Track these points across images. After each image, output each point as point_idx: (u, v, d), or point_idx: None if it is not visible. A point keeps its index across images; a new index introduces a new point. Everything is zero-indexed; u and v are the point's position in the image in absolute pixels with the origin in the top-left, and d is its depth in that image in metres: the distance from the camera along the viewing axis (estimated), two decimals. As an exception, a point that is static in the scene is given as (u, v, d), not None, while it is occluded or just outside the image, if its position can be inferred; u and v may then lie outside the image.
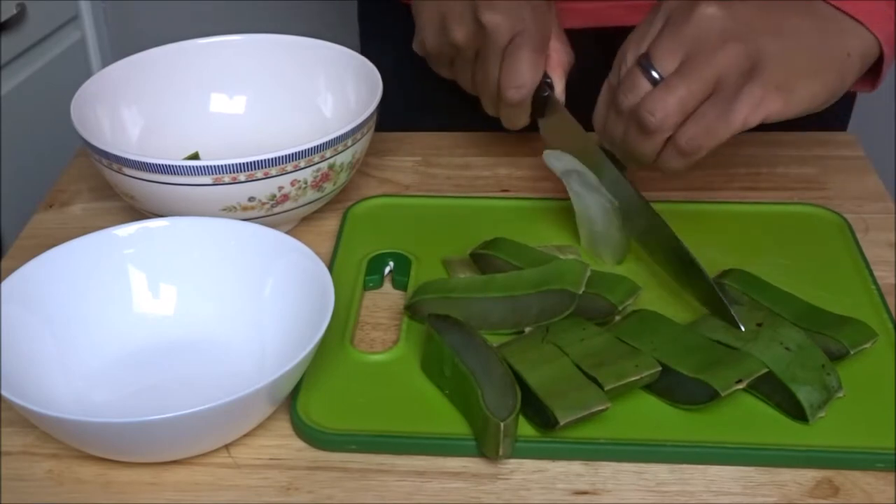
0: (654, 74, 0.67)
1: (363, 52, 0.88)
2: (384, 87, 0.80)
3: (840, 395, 0.63)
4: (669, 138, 0.68)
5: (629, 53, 0.69)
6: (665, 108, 0.66)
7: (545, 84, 0.78)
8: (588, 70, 0.93)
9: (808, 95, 0.67)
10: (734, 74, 0.65)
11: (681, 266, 0.71)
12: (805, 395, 0.61)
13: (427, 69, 0.84)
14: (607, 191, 0.73)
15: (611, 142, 0.72)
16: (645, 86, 0.67)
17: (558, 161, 0.75)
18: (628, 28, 0.89)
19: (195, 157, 0.85)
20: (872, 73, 0.73)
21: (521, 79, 0.75)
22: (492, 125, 0.92)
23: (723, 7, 0.66)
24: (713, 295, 0.67)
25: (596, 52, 0.93)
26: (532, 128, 0.81)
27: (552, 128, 0.80)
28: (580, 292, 0.66)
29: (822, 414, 0.62)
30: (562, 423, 0.60)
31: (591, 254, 0.76)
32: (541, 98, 0.78)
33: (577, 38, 0.91)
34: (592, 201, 0.74)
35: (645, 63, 0.67)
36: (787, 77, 0.66)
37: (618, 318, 0.69)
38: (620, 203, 0.73)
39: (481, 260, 0.74)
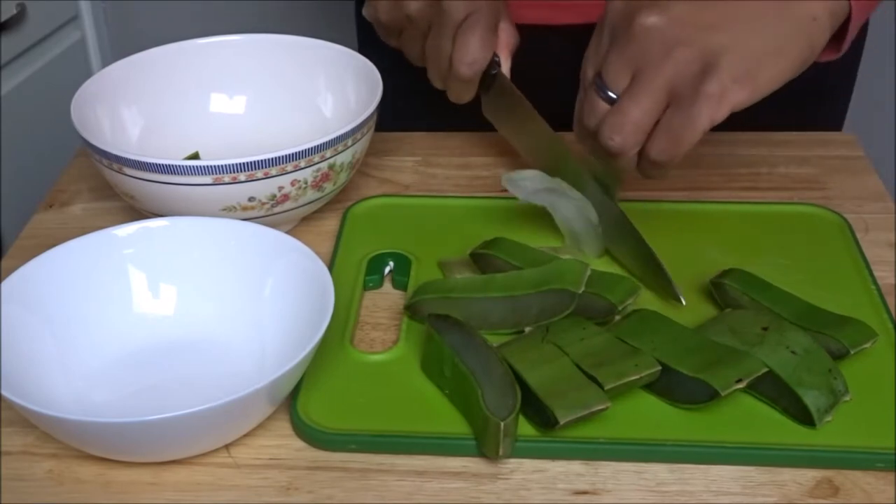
0: (610, 94, 0.66)
1: (361, 52, 0.88)
2: (383, 87, 0.80)
3: (847, 398, 0.63)
4: (641, 151, 0.67)
5: (588, 71, 0.69)
6: (623, 131, 0.65)
7: (493, 62, 0.80)
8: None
9: (775, 74, 0.65)
10: (688, 79, 0.64)
11: (647, 267, 0.72)
12: (812, 399, 0.61)
13: (425, 69, 0.84)
14: (570, 185, 0.75)
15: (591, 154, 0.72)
16: (602, 107, 0.67)
17: (516, 188, 0.76)
18: None
19: (195, 157, 0.85)
20: (836, 37, 0.69)
21: (473, 56, 0.77)
22: (492, 125, 0.93)
23: (661, 14, 0.64)
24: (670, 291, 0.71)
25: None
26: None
27: (496, 105, 0.82)
28: (580, 292, 0.66)
29: (829, 418, 0.62)
30: (562, 422, 0.60)
31: (574, 251, 0.76)
32: (489, 75, 0.81)
33: (578, 35, 0.91)
34: (562, 205, 0.75)
35: (599, 83, 0.67)
36: (745, 65, 0.64)
37: (618, 317, 0.69)
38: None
39: (481, 260, 0.74)
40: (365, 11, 0.84)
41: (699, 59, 0.63)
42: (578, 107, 0.70)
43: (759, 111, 0.68)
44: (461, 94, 0.81)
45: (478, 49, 0.77)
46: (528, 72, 0.90)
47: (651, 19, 0.63)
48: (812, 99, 0.91)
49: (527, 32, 0.91)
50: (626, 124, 0.65)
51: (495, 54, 0.80)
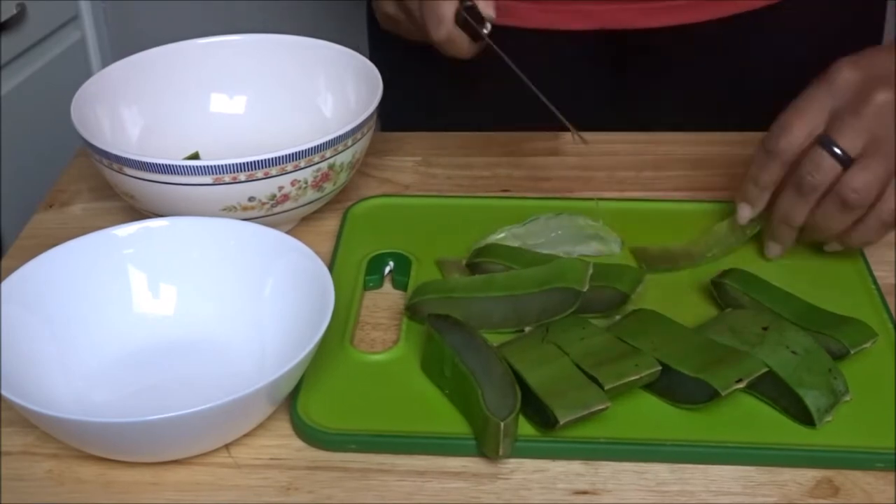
0: (843, 153, 0.68)
1: (371, 54, 0.87)
2: (391, 88, 0.80)
3: (847, 398, 0.63)
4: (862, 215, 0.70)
5: (796, 130, 0.70)
6: (867, 186, 0.68)
7: (479, 17, 0.78)
8: (598, 71, 0.94)
9: None
10: None
11: None
12: (812, 399, 0.61)
13: (435, 69, 0.84)
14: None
15: (784, 219, 0.73)
16: (831, 164, 0.69)
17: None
18: (639, 31, 0.89)
19: (195, 157, 0.85)
20: None
21: (439, 14, 0.77)
22: (492, 125, 0.93)
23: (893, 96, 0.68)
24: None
25: (602, 55, 0.93)
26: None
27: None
28: (584, 289, 0.66)
29: (829, 418, 0.62)
30: (562, 422, 0.60)
31: None
32: (476, 32, 0.79)
33: (588, 40, 0.91)
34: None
35: (827, 142, 0.69)
36: None
37: (618, 317, 0.69)
38: None
39: (478, 269, 0.74)
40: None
41: None
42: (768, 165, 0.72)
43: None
44: (455, 51, 0.80)
45: (442, 6, 0.76)
46: (536, 76, 0.90)
47: (886, 96, 0.68)
48: None
49: (536, 37, 0.91)
50: (871, 180, 0.68)
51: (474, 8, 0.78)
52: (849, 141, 0.68)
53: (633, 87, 0.95)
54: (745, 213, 0.74)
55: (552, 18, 0.92)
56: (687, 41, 0.84)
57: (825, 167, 0.69)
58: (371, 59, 0.86)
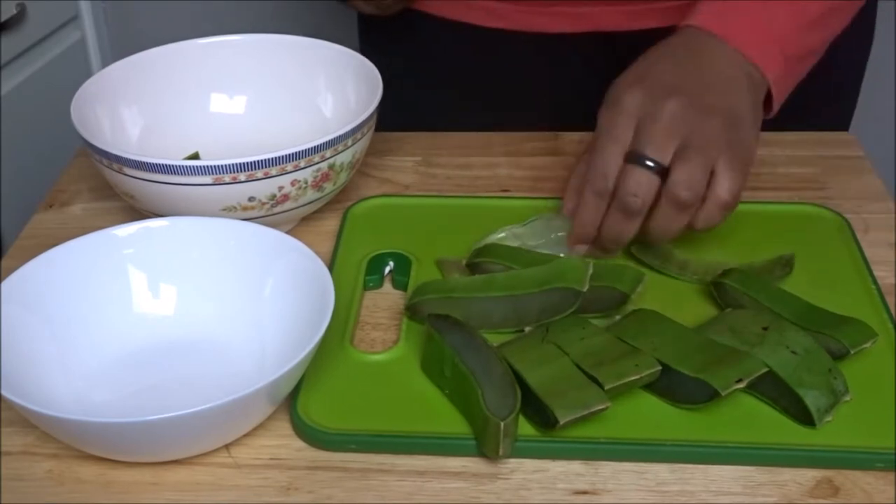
0: (659, 164, 0.69)
1: (362, 52, 0.88)
2: (385, 88, 0.80)
3: (847, 398, 0.63)
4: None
5: (611, 162, 0.70)
6: (693, 177, 0.69)
7: None
8: (586, 74, 0.94)
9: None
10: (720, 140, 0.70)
11: None
12: (812, 399, 0.61)
13: (428, 70, 0.84)
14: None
15: (616, 240, 0.72)
16: (648, 178, 0.69)
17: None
18: (626, 33, 0.89)
19: (195, 157, 0.85)
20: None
21: None
22: (492, 125, 0.93)
23: (680, 97, 0.70)
24: None
25: (595, 56, 0.93)
26: None
27: None
28: (584, 289, 0.66)
29: (829, 418, 0.62)
30: (562, 422, 0.60)
31: None
32: None
33: (575, 43, 0.91)
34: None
35: (638, 158, 0.69)
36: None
37: (618, 317, 0.69)
38: None
39: (478, 269, 0.74)
40: None
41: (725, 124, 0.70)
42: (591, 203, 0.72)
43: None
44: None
45: None
46: (526, 78, 0.91)
47: (678, 101, 0.69)
48: (818, 100, 0.91)
49: (526, 40, 0.91)
50: (695, 172, 0.69)
51: None
52: (658, 149, 0.69)
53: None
54: (582, 250, 0.74)
55: (542, 21, 0.92)
56: None
57: (644, 183, 0.69)
58: None
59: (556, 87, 0.96)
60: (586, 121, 0.77)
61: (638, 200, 0.69)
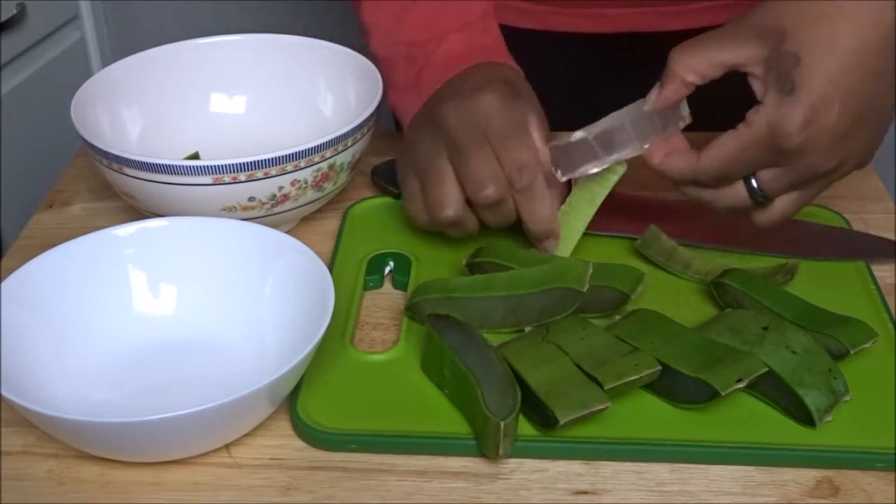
0: (764, 196, 0.69)
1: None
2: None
3: (847, 398, 0.63)
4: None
5: (729, 170, 0.68)
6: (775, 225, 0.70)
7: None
8: (616, 74, 0.94)
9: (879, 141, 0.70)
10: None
11: None
12: (812, 399, 0.61)
13: None
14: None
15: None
16: (745, 197, 0.69)
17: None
18: (659, 33, 0.90)
19: (195, 156, 0.85)
20: None
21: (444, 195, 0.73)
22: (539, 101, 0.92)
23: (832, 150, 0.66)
24: None
25: (626, 57, 0.93)
26: None
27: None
28: (584, 289, 0.66)
29: (829, 418, 0.62)
30: (562, 422, 0.60)
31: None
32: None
33: (606, 43, 0.91)
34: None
35: (753, 187, 0.68)
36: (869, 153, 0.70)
37: (618, 317, 0.69)
38: None
39: (478, 269, 0.74)
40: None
41: (838, 164, 0.68)
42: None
43: None
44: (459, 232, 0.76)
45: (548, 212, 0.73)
46: (551, 77, 0.90)
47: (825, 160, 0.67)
48: None
49: (552, 39, 0.91)
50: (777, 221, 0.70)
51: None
52: (774, 190, 0.68)
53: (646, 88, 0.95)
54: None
55: (574, 22, 0.92)
56: None
57: (741, 199, 0.69)
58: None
59: (587, 87, 0.96)
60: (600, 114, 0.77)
61: (728, 206, 0.70)
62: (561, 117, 0.80)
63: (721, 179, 0.68)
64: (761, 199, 0.68)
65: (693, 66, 0.68)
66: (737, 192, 0.69)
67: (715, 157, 0.67)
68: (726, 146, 0.66)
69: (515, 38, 0.91)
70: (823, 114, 0.63)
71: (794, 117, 0.63)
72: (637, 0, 0.89)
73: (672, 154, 0.70)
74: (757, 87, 0.66)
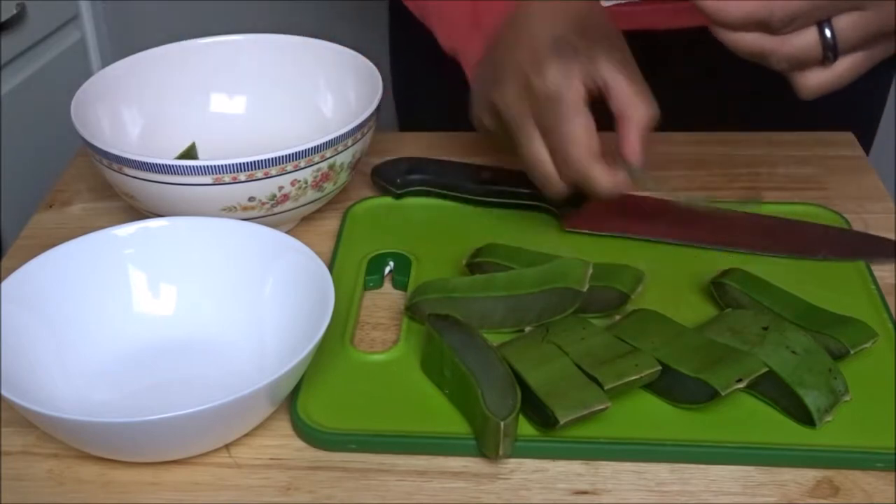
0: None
1: (392, 62, 0.86)
2: (413, 93, 0.80)
3: (847, 398, 0.63)
4: None
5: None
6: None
7: None
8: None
9: None
10: None
11: None
12: (812, 399, 0.61)
13: (458, 75, 0.83)
14: None
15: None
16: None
17: None
18: (668, 31, 0.89)
19: (192, 148, 0.85)
20: None
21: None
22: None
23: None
24: None
25: (635, 54, 0.93)
26: None
27: None
28: (584, 289, 0.66)
29: (829, 418, 0.62)
30: (562, 422, 0.60)
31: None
32: None
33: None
34: None
35: (828, 39, 0.64)
36: None
37: (618, 317, 0.69)
38: None
39: (478, 269, 0.74)
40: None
41: None
42: None
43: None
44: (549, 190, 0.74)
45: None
46: None
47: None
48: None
49: None
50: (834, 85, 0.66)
51: None
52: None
53: (666, 87, 0.95)
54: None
55: None
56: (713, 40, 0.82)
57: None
58: (392, 65, 0.85)
59: None
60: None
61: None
62: None
63: (795, 21, 0.62)
64: (832, 51, 0.63)
65: None
66: (807, 40, 0.63)
67: None
68: None
69: None
70: None
71: None
72: None
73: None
74: None
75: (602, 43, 0.71)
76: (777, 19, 0.62)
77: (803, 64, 0.65)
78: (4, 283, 0.65)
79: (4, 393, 0.57)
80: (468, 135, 0.92)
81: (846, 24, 0.63)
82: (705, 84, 0.94)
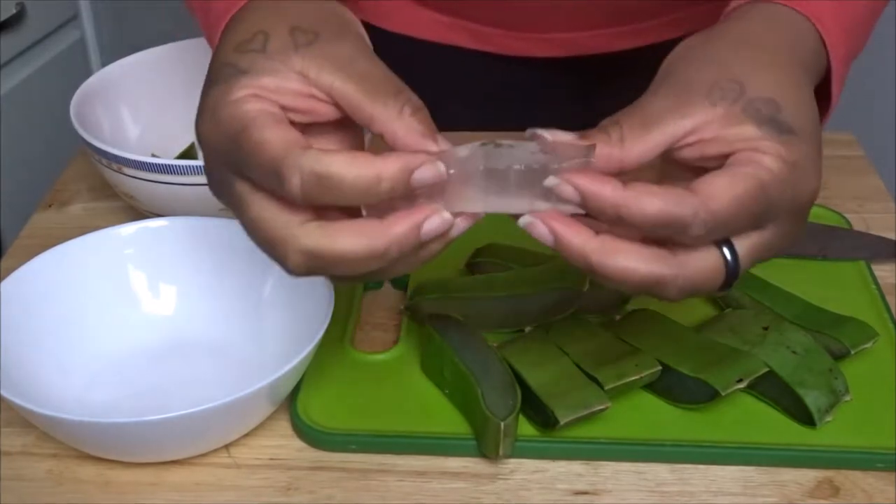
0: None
1: None
2: None
3: (847, 398, 0.63)
4: None
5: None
6: None
7: None
8: (569, 96, 0.94)
9: None
10: None
11: None
12: (813, 399, 0.61)
13: (436, 71, 0.83)
14: None
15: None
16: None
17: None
18: (611, 54, 0.89)
19: (192, 148, 0.85)
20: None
21: None
22: (491, 123, 0.93)
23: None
24: None
25: (579, 77, 0.93)
26: None
27: None
28: (585, 289, 0.66)
29: (829, 418, 0.62)
30: (562, 422, 0.60)
31: None
32: None
33: (557, 66, 0.91)
34: None
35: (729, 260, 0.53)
36: None
37: (618, 317, 0.69)
38: None
39: (478, 269, 0.74)
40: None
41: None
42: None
43: None
44: None
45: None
46: (507, 99, 0.90)
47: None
48: None
49: (505, 62, 0.91)
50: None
51: None
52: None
53: (602, 107, 0.95)
54: None
55: (527, 46, 0.91)
56: (657, 60, 0.80)
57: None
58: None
59: (542, 109, 0.96)
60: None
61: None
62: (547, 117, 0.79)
63: (718, 230, 0.51)
64: (732, 279, 0.53)
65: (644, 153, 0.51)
66: (708, 263, 0.52)
67: (735, 197, 0.49)
68: (745, 185, 0.50)
69: (468, 60, 0.91)
70: (816, 149, 0.53)
71: (805, 152, 0.52)
72: (587, 24, 0.88)
73: (641, 183, 0.49)
74: (713, 149, 0.51)
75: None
76: (700, 221, 0.49)
77: (698, 293, 0.53)
78: (4, 283, 0.65)
79: (4, 393, 0.57)
80: (468, 133, 0.92)
81: (746, 247, 0.53)
82: None
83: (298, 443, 0.63)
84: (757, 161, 0.50)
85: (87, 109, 0.81)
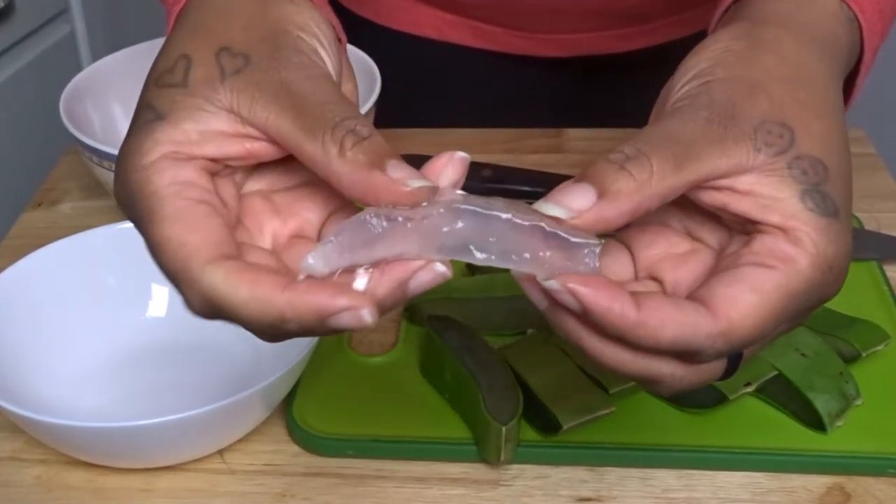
0: None
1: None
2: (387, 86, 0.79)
3: (858, 402, 0.62)
4: None
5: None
6: None
7: None
8: (572, 96, 0.93)
9: None
10: None
11: None
12: (822, 403, 0.61)
13: (440, 70, 0.83)
14: None
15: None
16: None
17: None
18: (616, 55, 0.90)
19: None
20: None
21: None
22: (492, 122, 0.92)
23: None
24: None
25: (584, 78, 0.94)
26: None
27: None
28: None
29: (839, 423, 0.61)
30: (565, 427, 0.59)
31: None
32: None
33: (560, 66, 0.91)
34: None
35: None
36: None
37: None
38: None
39: (478, 270, 0.73)
40: None
41: None
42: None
43: None
44: None
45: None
46: (509, 97, 0.90)
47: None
48: None
49: (508, 60, 0.91)
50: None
51: None
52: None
53: (604, 107, 0.95)
54: None
55: (530, 45, 0.91)
56: (661, 60, 0.79)
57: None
58: None
59: (545, 108, 0.96)
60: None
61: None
62: (543, 115, 0.79)
63: (739, 349, 0.45)
64: (731, 372, 0.48)
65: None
66: (713, 365, 0.46)
67: (761, 319, 0.43)
68: (774, 304, 0.43)
69: (471, 59, 0.91)
70: (849, 230, 0.46)
71: (843, 247, 0.45)
72: (591, 25, 0.89)
73: (654, 299, 0.43)
74: (742, 206, 0.44)
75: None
76: (715, 350, 0.43)
77: (696, 388, 0.48)
78: (-9, 283, 0.65)
79: (-9, 397, 0.57)
80: (468, 132, 0.92)
81: (752, 349, 0.47)
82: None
83: (294, 448, 0.62)
84: (791, 260, 0.43)
85: (77, 105, 0.80)
